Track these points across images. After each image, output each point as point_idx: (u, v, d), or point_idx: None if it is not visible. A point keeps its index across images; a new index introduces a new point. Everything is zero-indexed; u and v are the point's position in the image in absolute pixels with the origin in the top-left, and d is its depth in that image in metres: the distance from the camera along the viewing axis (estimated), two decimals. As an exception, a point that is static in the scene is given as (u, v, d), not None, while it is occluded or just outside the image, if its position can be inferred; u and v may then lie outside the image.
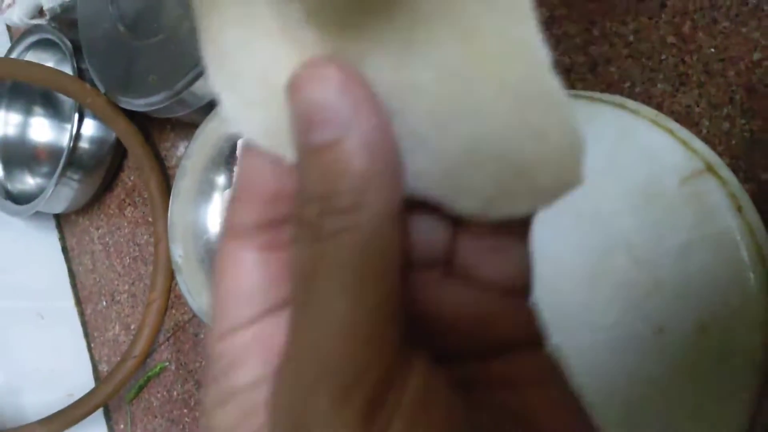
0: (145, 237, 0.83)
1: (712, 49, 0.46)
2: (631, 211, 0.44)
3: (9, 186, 0.87)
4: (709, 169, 0.42)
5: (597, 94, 0.48)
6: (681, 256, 0.42)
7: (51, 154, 0.90)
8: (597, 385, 0.44)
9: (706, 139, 0.46)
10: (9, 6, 0.80)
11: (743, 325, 0.40)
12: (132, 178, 0.86)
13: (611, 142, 0.46)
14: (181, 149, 0.80)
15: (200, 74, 0.66)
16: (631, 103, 0.47)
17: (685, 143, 0.44)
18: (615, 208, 0.45)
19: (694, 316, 0.41)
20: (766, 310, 0.40)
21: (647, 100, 0.48)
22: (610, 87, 0.50)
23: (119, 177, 0.87)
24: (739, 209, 0.41)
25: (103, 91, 0.74)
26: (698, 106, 0.47)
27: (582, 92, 0.49)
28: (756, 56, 0.45)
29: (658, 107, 0.48)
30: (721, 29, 0.46)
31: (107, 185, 0.87)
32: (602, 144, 0.46)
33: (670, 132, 0.44)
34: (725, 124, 0.45)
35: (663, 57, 0.48)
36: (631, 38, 0.50)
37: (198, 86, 0.67)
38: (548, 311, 0.44)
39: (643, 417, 0.42)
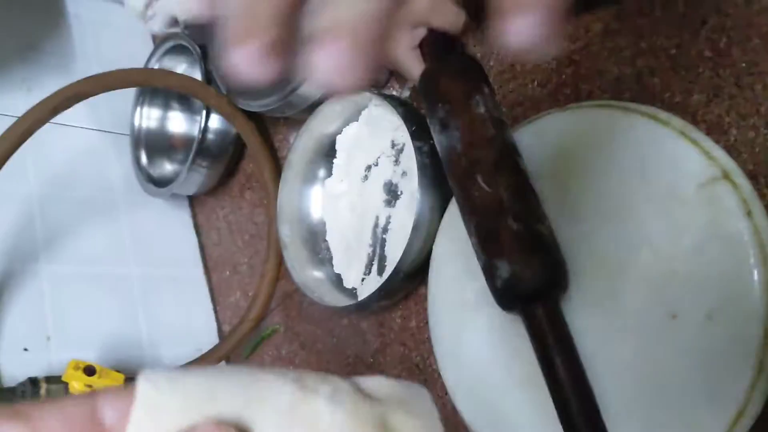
0: (261, 217, 0.96)
1: (744, 64, 0.51)
2: (654, 210, 0.50)
3: (151, 171, 1.03)
4: (726, 176, 0.48)
5: (633, 105, 0.54)
6: (695, 252, 0.48)
7: (185, 143, 1.05)
8: (617, 365, 0.51)
9: (733, 147, 0.50)
10: (151, 18, 0.95)
11: (745, 317, 0.45)
12: (251, 165, 0.98)
13: (642, 149, 0.52)
14: (291, 141, 0.92)
15: (304, 80, 0.76)
16: (662, 114, 0.52)
17: (706, 152, 0.49)
18: (642, 208, 0.51)
19: (703, 305, 0.47)
20: (766, 305, 0.45)
21: (684, 109, 0.54)
22: (653, 96, 0.56)
23: (240, 165, 1.00)
24: (749, 213, 0.46)
25: (224, 92, 0.86)
26: (728, 116, 0.51)
27: (619, 102, 0.55)
28: (781, 72, 0.49)
29: (693, 116, 0.53)
30: (753, 46, 0.50)
31: (230, 171, 1.00)
32: (634, 150, 0.52)
33: (694, 142, 0.50)
34: (751, 133, 0.50)
35: (700, 70, 0.53)
36: (674, 51, 0.55)
37: (303, 90, 0.78)
38: (581, 296, 0.53)
39: (654, 395, 0.49)
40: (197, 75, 0.95)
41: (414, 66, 0.60)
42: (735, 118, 0.51)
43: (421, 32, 0.58)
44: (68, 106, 0.76)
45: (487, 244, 0.50)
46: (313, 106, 0.80)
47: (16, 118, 0.77)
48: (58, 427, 0.21)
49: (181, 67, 1.00)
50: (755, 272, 0.45)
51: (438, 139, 0.54)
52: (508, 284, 0.49)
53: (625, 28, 0.58)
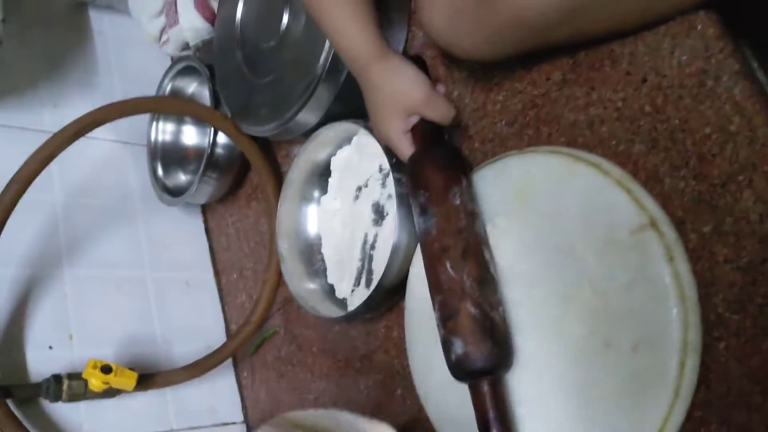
0: (265, 226, 1.04)
1: (677, 121, 0.57)
2: (594, 251, 0.57)
3: (167, 181, 1.11)
4: (653, 224, 0.54)
5: (581, 153, 0.60)
6: (626, 291, 0.55)
7: (198, 154, 1.13)
8: (561, 384, 0.58)
9: (666, 194, 0.57)
10: (165, 42, 1.02)
11: (665, 350, 0.52)
12: (256, 177, 1.06)
13: (586, 195, 0.58)
14: (292, 158, 0.99)
15: (301, 108, 0.83)
16: (605, 164, 0.59)
17: (638, 201, 0.55)
18: (584, 248, 0.58)
19: (631, 337, 0.54)
20: (683, 339, 0.52)
21: (627, 156, 0.60)
22: (601, 143, 0.62)
23: (247, 176, 1.08)
24: (671, 259, 0.53)
25: (229, 115, 0.94)
26: (663, 166, 0.57)
27: (570, 150, 0.61)
28: (707, 131, 0.55)
29: (635, 164, 0.59)
30: (685, 105, 0.56)
31: (238, 182, 1.08)
32: (580, 195, 0.59)
33: (629, 192, 0.56)
34: (681, 183, 0.56)
35: (641, 123, 0.59)
36: (620, 104, 0.61)
37: (300, 117, 0.85)
38: (531, 322, 0.61)
39: (588, 414, 0.56)
40: (206, 93, 1.02)
41: (405, 147, 0.68)
42: (668, 168, 0.57)
43: (414, 119, 0.66)
44: (88, 131, 0.84)
45: (447, 321, 0.59)
46: (309, 132, 0.87)
47: (44, 133, 0.84)
48: None
49: (192, 86, 1.08)
50: (674, 311, 0.52)
51: (417, 220, 0.64)
52: (460, 360, 0.58)
53: (579, 78, 0.64)
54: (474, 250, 0.60)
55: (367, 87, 0.69)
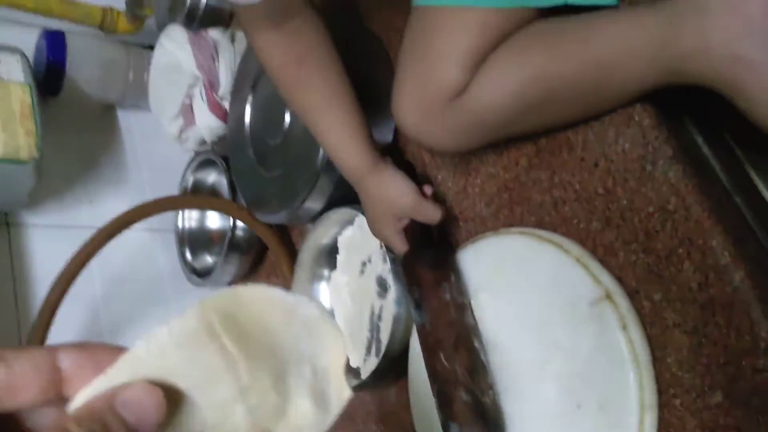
0: (286, 300, 1.12)
1: (625, 201, 0.64)
2: (561, 322, 0.64)
3: (195, 264, 1.21)
4: (608, 296, 0.61)
5: (546, 233, 0.68)
6: (590, 357, 0.62)
7: (221, 237, 1.23)
8: (541, 442, 0.65)
9: (621, 266, 0.64)
10: (185, 141, 1.13)
11: (625, 409, 0.59)
12: (274, 257, 1.15)
13: (551, 272, 0.66)
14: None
15: (306, 198, 0.92)
16: (566, 243, 0.66)
17: (595, 277, 0.63)
18: (552, 319, 0.65)
19: (596, 399, 0.61)
20: (640, 400, 0.58)
21: (587, 233, 0.67)
22: (564, 221, 0.69)
23: (266, 255, 1.17)
24: (624, 327, 0.60)
25: (245, 205, 1.04)
26: (617, 242, 0.65)
27: (536, 231, 0.69)
28: (650, 209, 0.62)
29: (593, 240, 0.67)
30: (630, 187, 0.64)
31: (258, 261, 1.18)
32: (546, 272, 0.66)
33: (587, 268, 0.63)
34: (633, 256, 0.63)
35: (596, 203, 0.67)
36: (577, 187, 0.69)
37: (307, 206, 0.94)
38: (514, 386, 0.69)
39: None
40: (224, 182, 1.13)
41: (400, 245, 0.77)
42: (621, 243, 0.64)
43: (406, 221, 0.75)
44: (119, 233, 0.94)
45: (444, 407, 0.68)
46: (316, 216, 0.96)
47: (82, 228, 0.94)
48: (28, 367, 0.27)
49: (211, 175, 1.19)
50: (630, 375, 0.59)
51: (413, 313, 0.73)
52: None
53: (542, 163, 0.72)
54: (464, 341, 0.68)
55: (362, 195, 0.78)
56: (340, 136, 0.73)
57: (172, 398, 0.28)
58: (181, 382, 0.29)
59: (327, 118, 0.73)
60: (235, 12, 0.67)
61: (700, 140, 0.68)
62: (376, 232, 0.79)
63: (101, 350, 0.29)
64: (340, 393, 0.33)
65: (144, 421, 0.27)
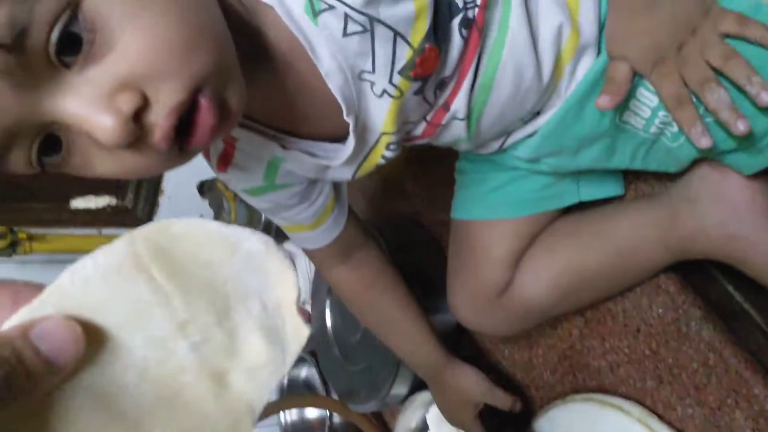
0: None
1: (671, 359, 0.72)
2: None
3: (300, 457, 1.31)
4: (672, 451, 0.68)
5: (607, 398, 0.76)
6: None
7: (321, 425, 1.33)
8: None
9: (681, 419, 0.71)
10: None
11: None
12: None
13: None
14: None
15: (391, 388, 1.02)
16: (626, 405, 0.74)
17: (656, 433, 0.70)
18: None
19: None
20: None
21: (644, 392, 0.75)
22: (622, 382, 0.77)
23: (364, 438, 1.26)
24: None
25: (337, 398, 1.14)
26: (672, 397, 0.72)
27: (597, 395, 0.77)
28: (694, 365, 0.70)
29: (652, 396, 0.74)
30: (672, 347, 0.72)
31: (357, 445, 1.26)
32: (613, 434, 0.73)
33: (648, 426, 0.71)
34: (689, 410, 0.70)
35: (646, 363, 0.75)
36: (626, 350, 0.77)
37: (393, 393, 1.04)
38: None
39: None
40: (315, 375, 1.25)
41: (478, 430, 0.85)
42: (677, 398, 0.71)
43: (480, 406, 0.84)
44: None
45: None
46: (403, 400, 1.06)
47: None
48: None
49: (303, 370, 1.31)
50: None
51: None
52: None
53: (593, 333, 0.81)
54: None
55: (436, 389, 0.87)
56: (410, 346, 0.84)
57: (99, 333, 0.28)
58: (110, 316, 0.28)
59: (398, 332, 0.84)
60: (305, 252, 0.80)
61: (731, 288, 0.76)
62: (453, 421, 0.88)
63: (24, 288, 0.28)
64: (297, 331, 0.31)
65: (61, 354, 0.26)
